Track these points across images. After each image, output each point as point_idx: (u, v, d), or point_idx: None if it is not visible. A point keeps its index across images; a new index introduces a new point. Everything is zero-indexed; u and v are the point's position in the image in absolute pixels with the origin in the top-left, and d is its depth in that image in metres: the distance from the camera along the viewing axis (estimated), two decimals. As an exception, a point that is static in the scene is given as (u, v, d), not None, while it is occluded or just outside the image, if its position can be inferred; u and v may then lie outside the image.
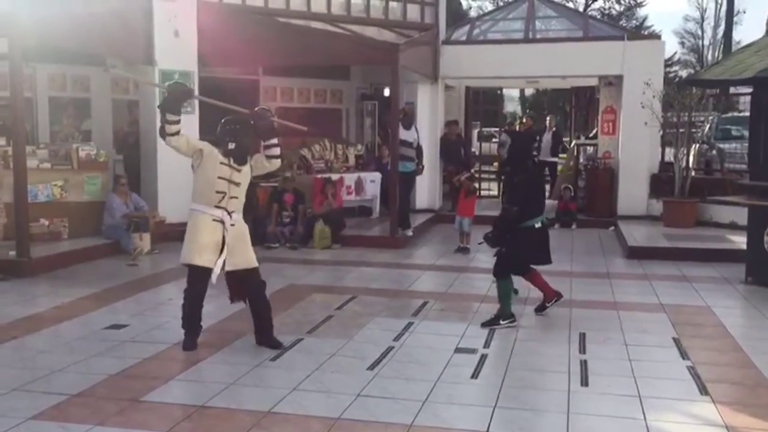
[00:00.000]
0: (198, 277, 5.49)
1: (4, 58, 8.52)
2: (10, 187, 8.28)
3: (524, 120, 19.63)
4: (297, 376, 4.87)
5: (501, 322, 6.16)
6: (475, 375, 5.01)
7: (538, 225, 6.30)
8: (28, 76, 10.31)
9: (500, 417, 4.25)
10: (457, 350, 5.54)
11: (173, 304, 6.99)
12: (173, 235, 10.24)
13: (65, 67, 11.74)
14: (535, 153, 7.74)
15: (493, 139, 20.29)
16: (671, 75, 28.46)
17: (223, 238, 5.41)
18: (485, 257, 9.74)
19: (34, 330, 5.97)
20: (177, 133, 5.28)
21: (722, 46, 36.83)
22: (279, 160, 5.68)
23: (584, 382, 4.88)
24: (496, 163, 17.63)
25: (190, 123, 10.65)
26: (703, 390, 4.73)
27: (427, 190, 13.43)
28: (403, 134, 11.09)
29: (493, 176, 17.34)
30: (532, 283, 6.64)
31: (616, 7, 40.24)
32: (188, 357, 5.33)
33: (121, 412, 4.28)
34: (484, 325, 6.17)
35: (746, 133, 14.34)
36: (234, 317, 6.43)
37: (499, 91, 17.72)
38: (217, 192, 5.37)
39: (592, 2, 39.62)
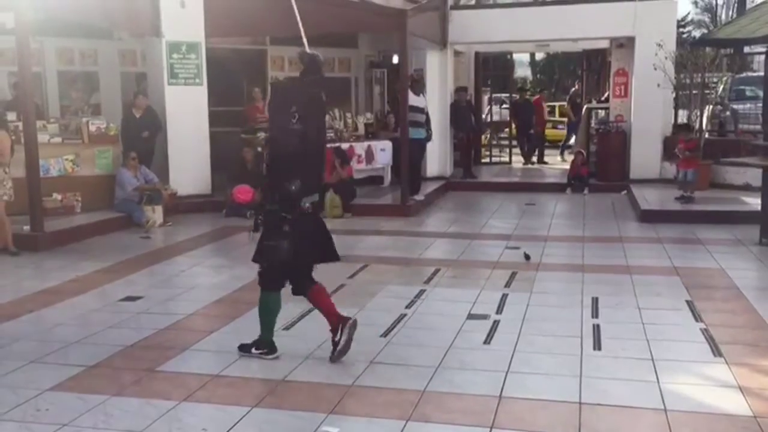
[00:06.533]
0: None
1: (11, 33, 8.50)
2: (22, 162, 8.29)
3: (539, 91, 19.42)
4: (310, 345, 4.89)
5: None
6: (487, 341, 5.02)
7: None
8: (36, 51, 10.27)
9: (513, 382, 4.27)
10: (470, 316, 5.55)
11: (187, 275, 7.07)
12: (184, 207, 10.31)
13: (73, 40, 11.70)
14: None
15: (503, 105, 20.14)
16: (684, 35, 27.99)
17: None
18: (499, 223, 9.75)
19: (50, 303, 6.03)
20: None
21: (736, 5, 36.18)
22: None
23: (597, 346, 4.87)
24: (507, 129, 17.60)
25: (198, 94, 10.68)
26: (717, 352, 4.72)
27: (437, 158, 13.37)
28: (413, 100, 11.02)
29: (504, 142, 17.26)
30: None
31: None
32: (202, 327, 5.37)
33: (138, 382, 4.33)
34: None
35: (760, 93, 14.16)
36: (245, 288, 6.47)
37: (509, 56, 17.55)
38: None
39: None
